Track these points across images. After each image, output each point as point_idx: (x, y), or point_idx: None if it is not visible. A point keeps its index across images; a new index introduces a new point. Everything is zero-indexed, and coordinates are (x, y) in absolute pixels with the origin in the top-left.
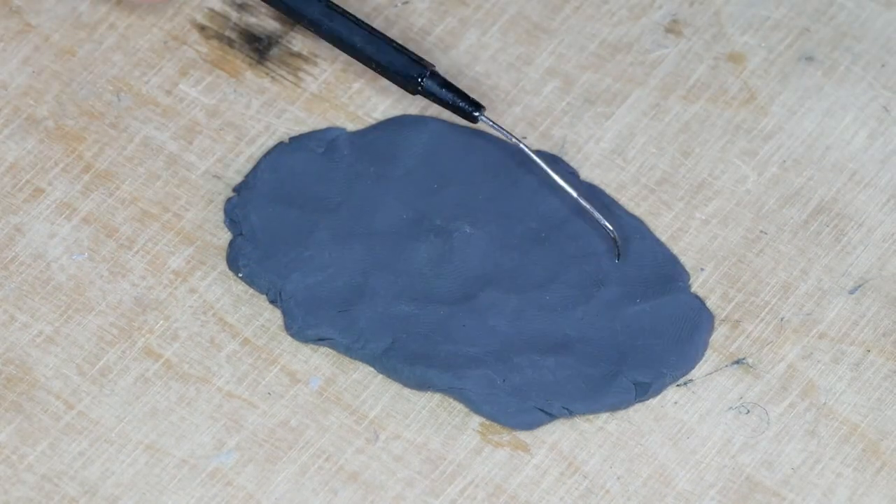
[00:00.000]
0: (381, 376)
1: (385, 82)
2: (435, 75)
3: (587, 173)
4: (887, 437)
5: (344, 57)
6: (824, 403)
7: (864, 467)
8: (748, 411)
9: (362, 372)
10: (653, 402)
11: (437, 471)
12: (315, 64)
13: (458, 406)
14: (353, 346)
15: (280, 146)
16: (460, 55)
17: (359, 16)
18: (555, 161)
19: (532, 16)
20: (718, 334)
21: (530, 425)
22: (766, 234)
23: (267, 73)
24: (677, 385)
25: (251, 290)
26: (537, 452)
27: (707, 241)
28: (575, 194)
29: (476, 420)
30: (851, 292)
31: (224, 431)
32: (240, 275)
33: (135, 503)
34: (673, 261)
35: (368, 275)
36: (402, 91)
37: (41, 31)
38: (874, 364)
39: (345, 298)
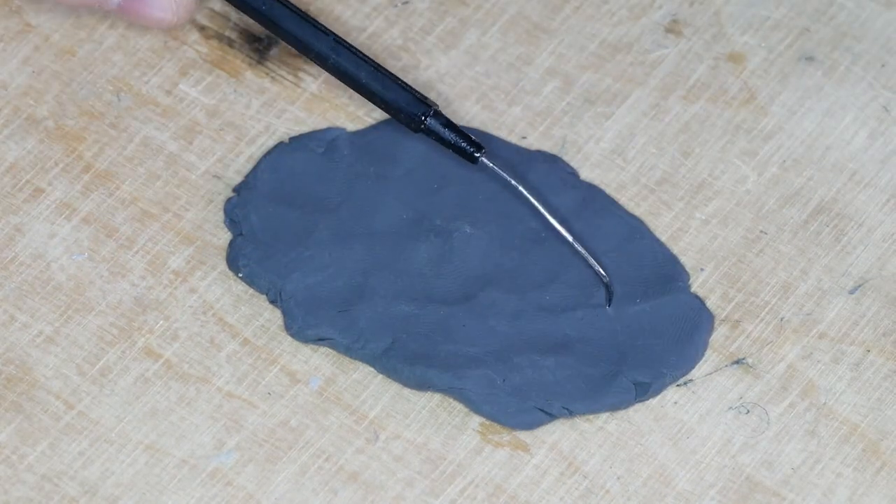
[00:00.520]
0: (381, 376)
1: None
2: (438, 115)
3: (587, 173)
4: (887, 437)
5: None
6: (824, 403)
7: (864, 467)
8: (748, 411)
9: (362, 372)
10: (653, 402)
11: (437, 471)
12: (315, 64)
13: (458, 406)
14: (353, 346)
15: (280, 146)
16: (460, 55)
17: (359, 16)
18: (554, 161)
19: (532, 16)
20: (718, 334)
21: (530, 425)
22: (766, 234)
23: (267, 73)
24: (677, 385)
25: (251, 290)
26: (537, 452)
27: (707, 241)
28: (570, 238)
29: (476, 420)
30: (851, 292)
31: (224, 431)
32: (240, 275)
33: (135, 503)
34: (673, 261)
35: (368, 275)
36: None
37: (41, 31)
38: (874, 364)
39: (345, 298)
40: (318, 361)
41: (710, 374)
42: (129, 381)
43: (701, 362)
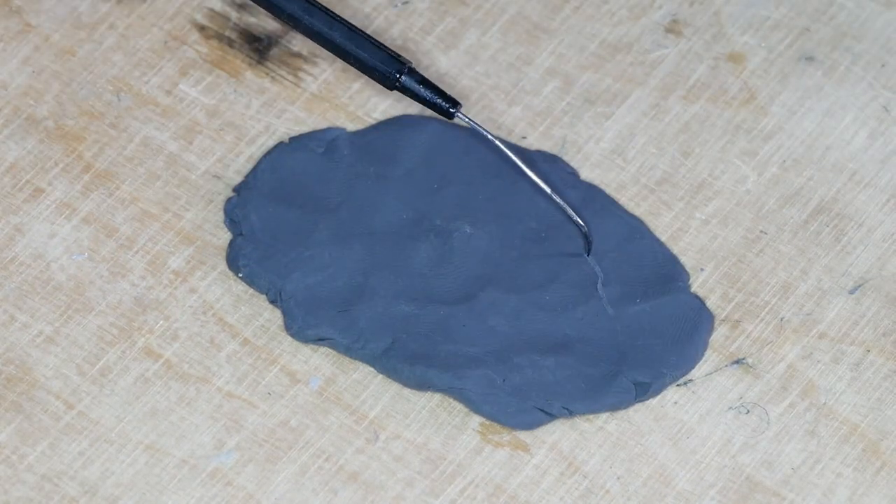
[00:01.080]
0: (381, 376)
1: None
2: (413, 72)
3: (587, 173)
4: (887, 437)
5: None
6: (824, 403)
7: (864, 467)
8: (748, 411)
9: (362, 372)
10: (653, 402)
11: (437, 471)
12: (315, 64)
13: (458, 406)
14: (353, 346)
15: (280, 146)
16: (460, 55)
17: (359, 16)
18: (554, 161)
19: (532, 16)
20: (718, 334)
21: (530, 425)
22: (766, 234)
23: (267, 73)
24: (677, 385)
25: (251, 290)
26: (537, 452)
27: (707, 241)
28: (549, 190)
29: (476, 420)
30: (851, 292)
31: (224, 431)
32: (240, 275)
33: (135, 503)
34: (673, 261)
35: (368, 275)
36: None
37: (41, 31)
38: (874, 364)
39: (345, 298)
40: (318, 361)
41: (710, 374)
42: (129, 381)
43: (701, 362)
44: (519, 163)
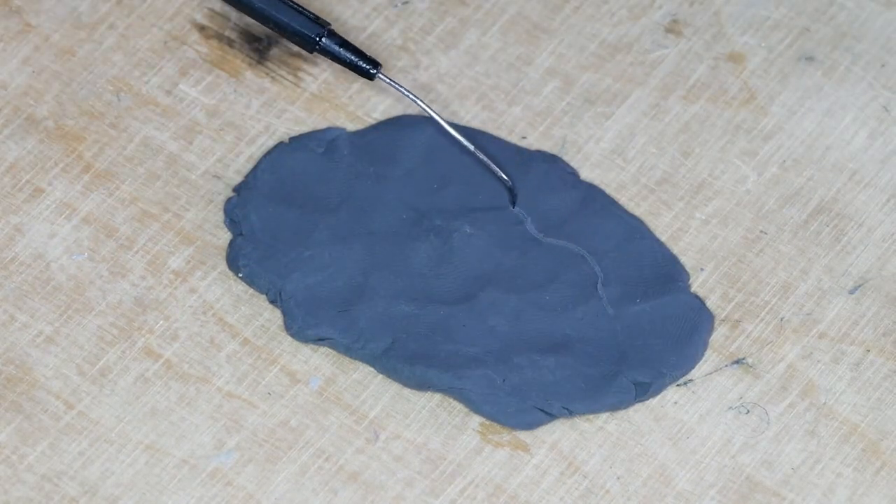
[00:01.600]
0: (381, 376)
1: (384, 83)
2: (333, 34)
3: (587, 173)
4: (887, 437)
5: None
6: (824, 403)
7: (864, 467)
8: (748, 411)
9: (362, 372)
10: (653, 402)
11: (437, 471)
12: (315, 64)
13: (458, 406)
14: (353, 346)
15: (280, 146)
16: (460, 55)
17: (358, 16)
18: (554, 161)
19: (532, 16)
20: (718, 334)
21: (530, 425)
22: (766, 234)
23: (267, 73)
24: (677, 385)
25: (251, 290)
26: (537, 452)
27: (707, 241)
28: (472, 147)
29: (476, 420)
30: (851, 292)
31: (224, 431)
32: (240, 275)
33: (135, 503)
34: (673, 261)
35: (368, 275)
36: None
37: (41, 31)
38: (874, 364)
39: (345, 298)
40: (318, 361)
41: (710, 374)
42: (129, 381)
43: (701, 362)
44: (444, 124)
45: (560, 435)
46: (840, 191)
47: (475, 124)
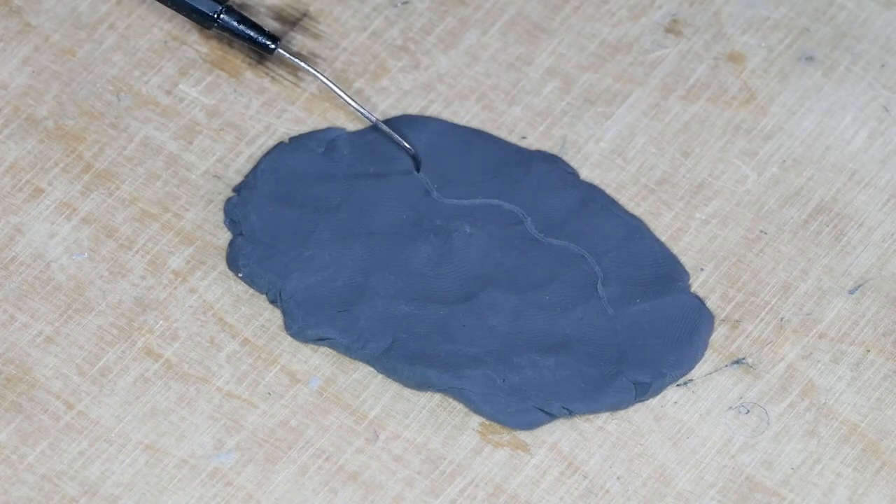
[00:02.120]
0: (381, 376)
1: (384, 83)
2: (231, 10)
3: (587, 173)
4: (887, 437)
5: (344, 57)
6: (824, 403)
7: (864, 467)
8: (748, 411)
9: (362, 372)
10: (653, 402)
11: (437, 471)
12: (315, 64)
13: (458, 406)
14: (353, 346)
15: (280, 146)
16: (460, 55)
17: (359, 16)
18: (554, 161)
19: (532, 16)
20: (718, 334)
21: (530, 425)
22: (766, 234)
23: (267, 73)
24: (677, 385)
25: (251, 290)
26: (537, 452)
27: (707, 241)
28: (374, 119)
29: (476, 420)
30: (851, 292)
31: (224, 431)
32: (240, 275)
33: (135, 503)
34: (673, 261)
35: (368, 275)
36: (402, 90)
37: (41, 31)
38: (874, 364)
39: (345, 298)
40: (318, 361)
41: (710, 374)
42: (128, 381)
43: (701, 362)
44: (347, 98)
45: (560, 435)
46: (840, 191)
47: (475, 124)
